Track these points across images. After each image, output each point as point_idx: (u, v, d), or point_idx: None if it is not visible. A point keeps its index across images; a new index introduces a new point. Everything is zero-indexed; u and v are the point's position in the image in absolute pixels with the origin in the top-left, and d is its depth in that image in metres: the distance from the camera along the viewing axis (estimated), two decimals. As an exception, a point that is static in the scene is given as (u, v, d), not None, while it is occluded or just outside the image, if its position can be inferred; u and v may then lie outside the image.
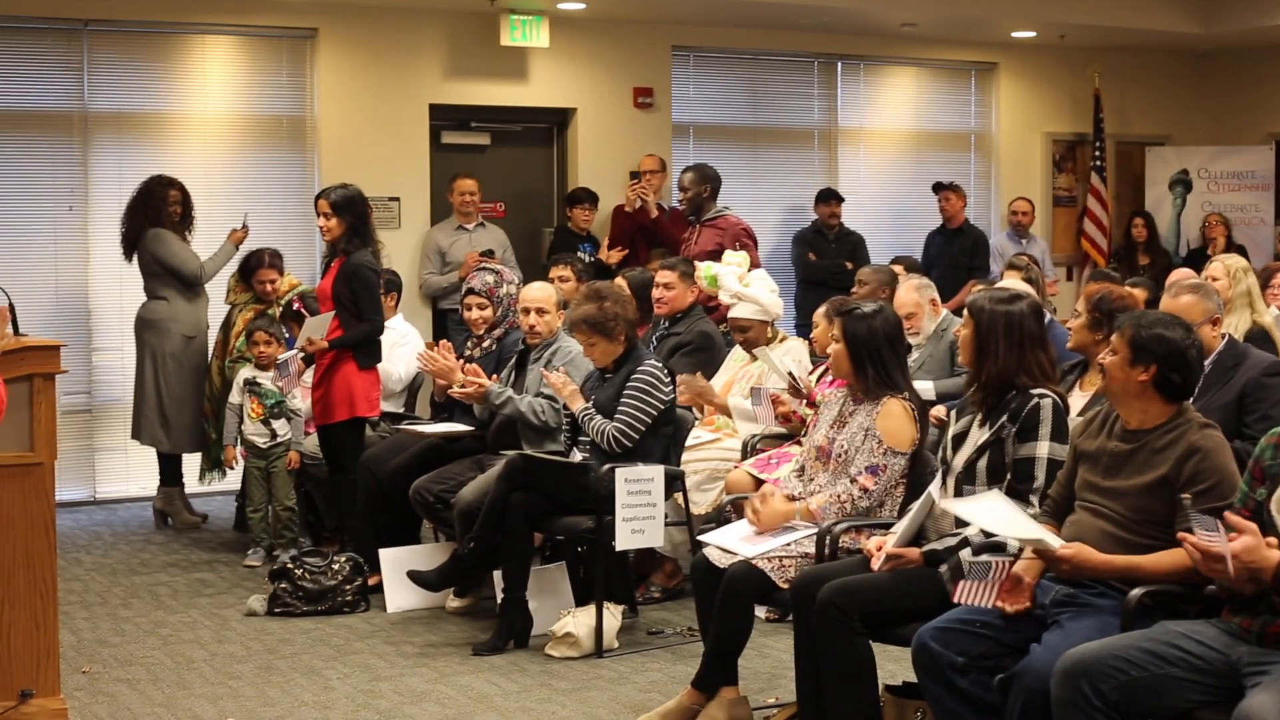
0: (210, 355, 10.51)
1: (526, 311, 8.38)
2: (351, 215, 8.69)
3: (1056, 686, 4.52)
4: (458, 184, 12.18)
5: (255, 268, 10.23)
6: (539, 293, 8.46)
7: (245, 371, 9.65)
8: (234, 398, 9.65)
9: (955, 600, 5.01)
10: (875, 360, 6.28)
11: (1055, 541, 4.83)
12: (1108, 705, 4.43)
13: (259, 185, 12.04)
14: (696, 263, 9.63)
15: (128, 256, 10.62)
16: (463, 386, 8.28)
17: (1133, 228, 14.85)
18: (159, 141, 11.80)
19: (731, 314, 8.87)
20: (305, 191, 12.12)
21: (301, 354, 8.75)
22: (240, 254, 10.62)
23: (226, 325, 10.37)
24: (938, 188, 13.92)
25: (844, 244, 13.23)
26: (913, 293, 9.00)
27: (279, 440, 9.47)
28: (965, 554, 5.35)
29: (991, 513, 5.05)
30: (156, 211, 10.49)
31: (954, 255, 13.44)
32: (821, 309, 8.31)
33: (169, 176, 10.71)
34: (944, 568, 5.43)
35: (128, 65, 11.75)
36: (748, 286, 8.83)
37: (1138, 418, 5.04)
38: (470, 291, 8.83)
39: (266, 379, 9.51)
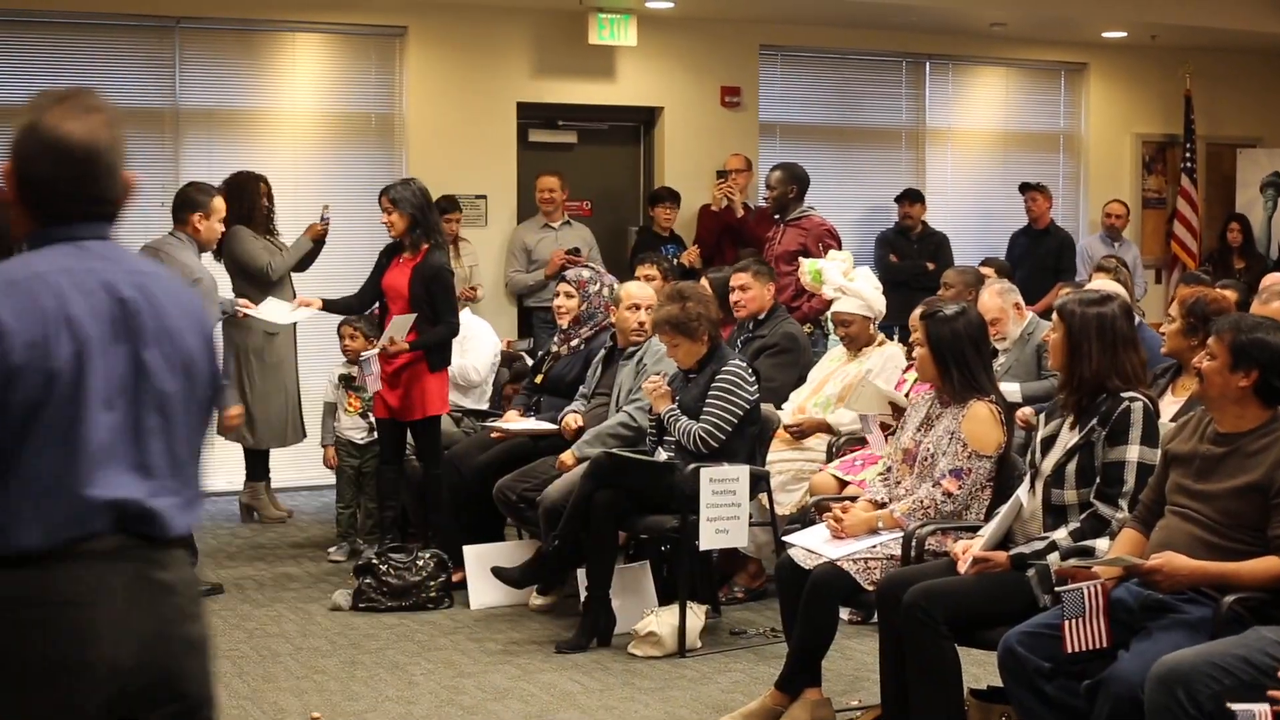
0: None
1: (635, 308, 8.39)
2: (413, 209, 8.74)
3: (1151, 693, 4.48)
4: (539, 181, 12.20)
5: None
6: (644, 290, 8.49)
7: (338, 368, 9.67)
8: (328, 395, 9.68)
9: (1068, 650, 4.93)
10: (960, 363, 6.24)
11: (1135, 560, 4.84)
12: (1203, 714, 4.39)
13: (347, 182, 12.08)
14: (801, 259, 9.63)
15: (216, 256, 10.64)
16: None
17: (1228, 231, 14.71)
18: (249, 138, 11.90)
19: (835, 308, 8.81)
20: (393, 189, 12.17)
21: (381, 352, 8.79)
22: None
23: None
24: (1024, 188, 13.83)
25: (926, 244, 13.17)
26: (996, 298, 8.91)
27: (375, 436, 9.48)
28: (1053, 558, 5.32)
29: None
30: (250, 207, 10.44)
31: (1040, 257, 13.34)
32: (917, 312, 8.26)
33: (256, 172, 10.69)
34: (1031, 571, 5.39)
35: (219, 62, 11.86)
36: (852, 281, 8.81)
37: (1232, 422, 4.99)
38: (563, 279, 8.89)
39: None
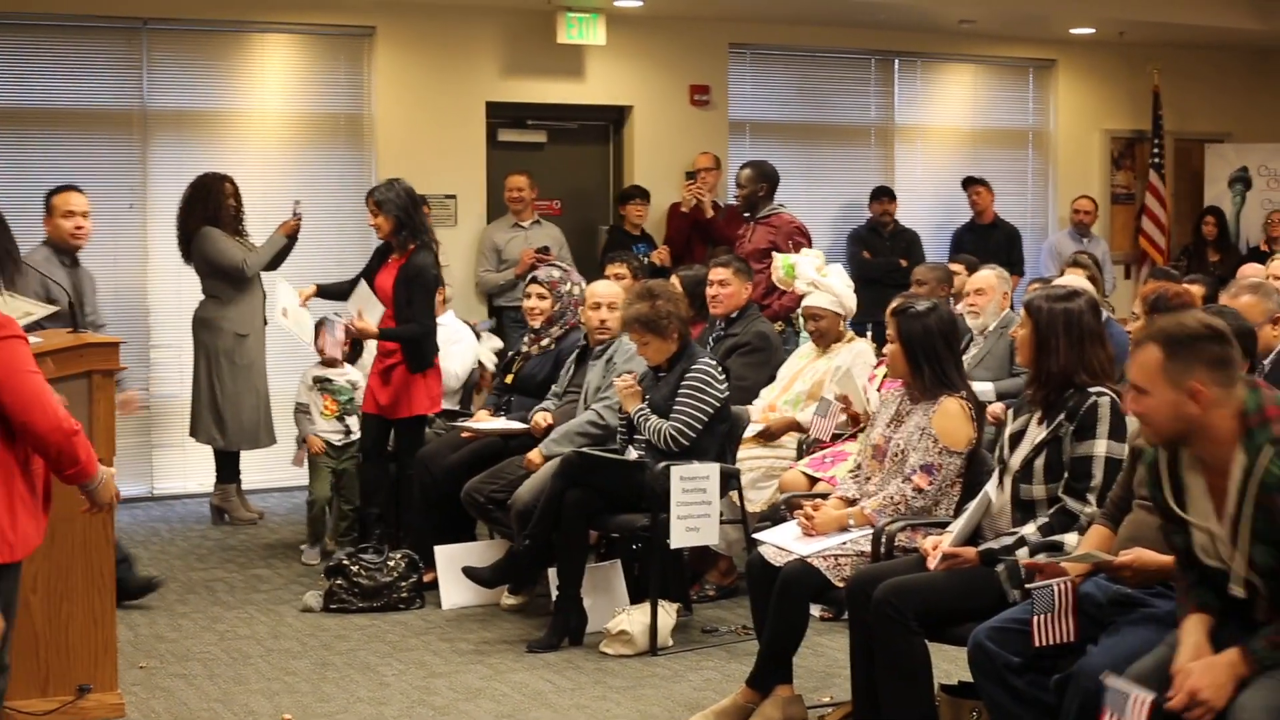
0: None
1: (597, 306, 8.41)
2: (398, 210, 8.77)
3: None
4: (508, 180, 12.20)
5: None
6: (609, 288, 8.50)
7: (311, 370, 9.62)
8: (301, 396, 9.60)
9: (1037, 645, 4.94)
10: (931, 359, 6.26)
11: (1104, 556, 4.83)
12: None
13: (316, 183, 12.07)
14: (774, 254, 9.64)
15: (186, 258, 10.63)
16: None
17: (1203, 225, 14.77)
18: (217, 140, 11.86)
19: (807, 302, 8.82)
20: (363, 189, 12.00)
21: (346, 329, 8.80)
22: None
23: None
24: (967, 183, 13.88)
25: (899, 242, 13.21)
26: (993, 276, 9.06)
27: (352, 437, 9.47)
28: (1021, 553, 5.34)
29: None
30: (216, 208, 10.47)
31: (990, 251, 13.37)
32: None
33: (221, 173, 10.69)
34: (1000, 567, 5.40)
35: (187, 64, 11.82)
36: (825, 277, 8.83)
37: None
38: (534, 280, 8.89)
39: (336, 375, 9.51)
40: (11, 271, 6.33)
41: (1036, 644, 4.88)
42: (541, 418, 8.37)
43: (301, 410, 9.57)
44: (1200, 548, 4.25)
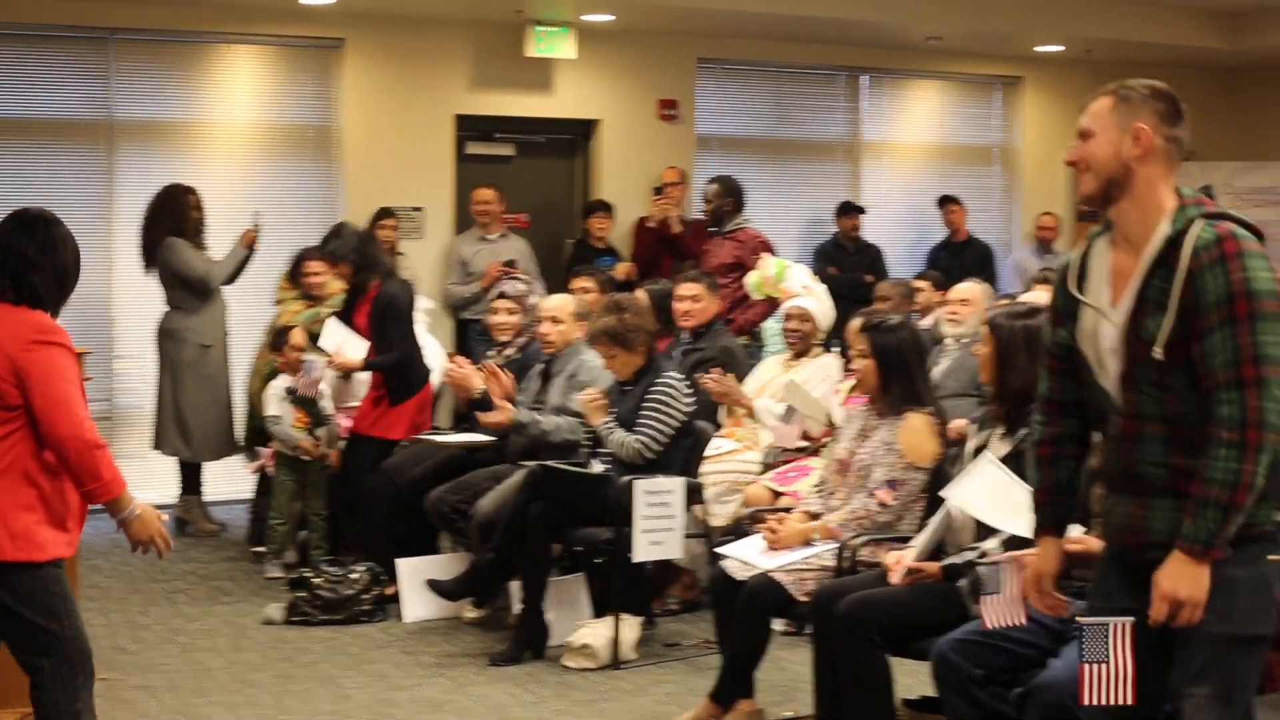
0: (255, 357, 10.43)
1: (539, 320, 8.46)
2: (353, 253, 8.98)
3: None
4: (475, 193, 12.19)
5: (303, 258, 10.13)
6: (554, 301, 8.51)
7: (280, 382, 9.43)
8: (272, 408, 9.33)
9: (988, 626, 4.93)
10: (903, 374, 6.30)
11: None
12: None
13: (284, 195, 12.06)
14: (764, 255, 9.68)
15: (147, 268, 10.60)
16: (484, 409, 8.29)
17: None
18: (184, 150, 11.84)
19: (798, 303, 8.82)
20: (330, 201, 12.15)
21: (329, 367, 8.84)
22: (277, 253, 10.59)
23: (273, 326, 10.27)
24: (943, 201, 13.92)
25: (863, 257, 13.23)
26: (977, 287, 9.15)
27: (321, 449, 9.41)
28: (985, 571, 5.34)
29: (984, 491, 5.06)
30: (180, 219, 10.44)
31: (965, 268, 13.40)
32: (856, 323, 8.29)
33: (184, 184, 10.65)
34: (963, 582, 5.42)
35: (154, 74, 11.79)
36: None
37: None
38: (501, 295, 8.90)
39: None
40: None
41: (986, 626, 4.87)
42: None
43: (274, 421, 9.42)
44: (1082, 333, 4.13)
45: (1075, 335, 4.15)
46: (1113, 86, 4.13)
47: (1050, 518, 4.31)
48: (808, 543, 6.26)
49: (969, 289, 9.23)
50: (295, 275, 10.20)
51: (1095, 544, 4.51)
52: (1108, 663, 3.96)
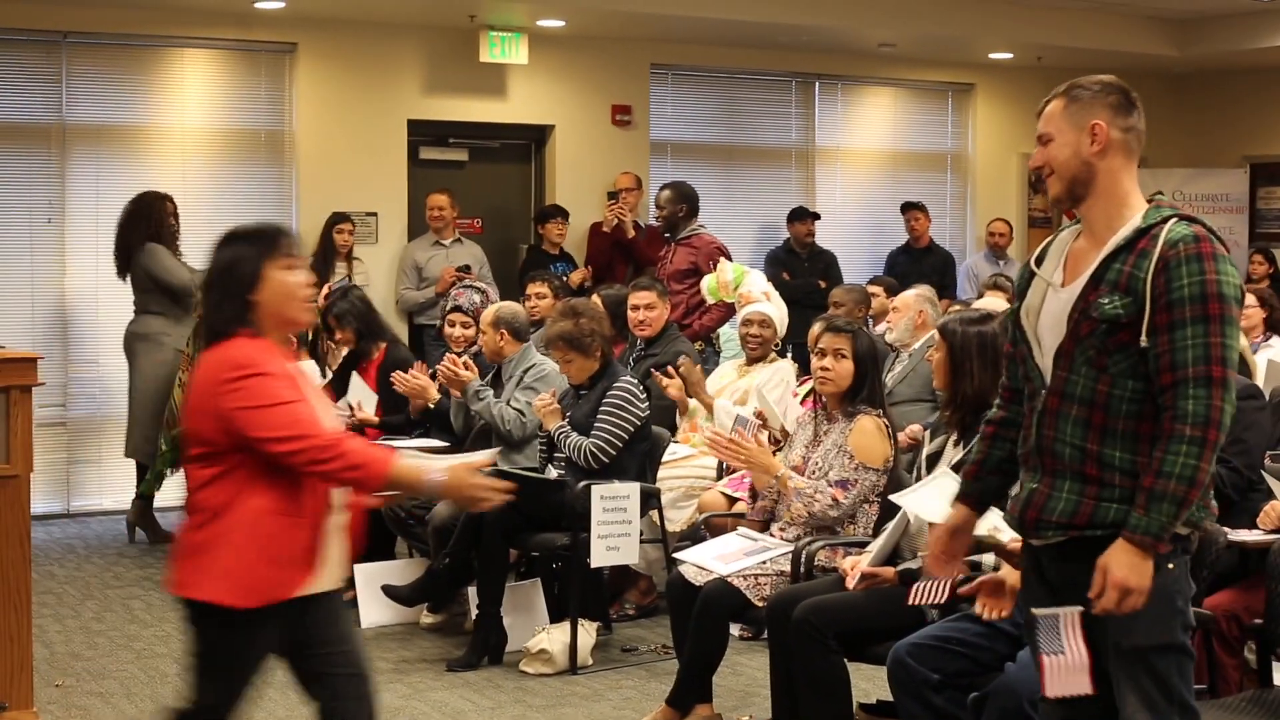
0: (179, 369, 10.45)
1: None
2: (356, 319, 9.15)
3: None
4: (429, 199, 12.19)
5: None
6: (488, 310, 8.55)
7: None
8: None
9: (910, 602, 4.98)
10: (874, 376, 6.39)
11: (1006, 535, 4.78)
12: None
13: (237, 199, 12.00)
14: (723, 260, 9.71)
15: (121, 274, 10.55)
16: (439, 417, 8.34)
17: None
18: (137, 154, 11.79)
19: (757, 308, 8.86)
20: (283, 205, 12.12)
21: (352, 418, 8.91)
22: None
23: (195, 337, 10.31)
24: (905, 208, 13.98)
25: (817, 263, 13.27)
26: (910, 295, 9.23)
27: None
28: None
29: (935, 497, 5.09)
30: (157, 225, 10.47)
31: (924, 275, 13.48)
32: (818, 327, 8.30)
33: (160, 191, 10.68)
34: (903, 566, 5.47)
35: (106, 78, 11.75)
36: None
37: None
38: (456, 309, 8.89)
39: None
40: None
41: (909, 602, 4.92)
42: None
43: None
44: (1025, 308, 4.16)
45: (1019, 311, 4.20)
46: (1064, 88, 4.16)
47: (973, 489, 4.37)
48: (771, 474, 6.35)
49: (901, 297, 9.29)
50: None
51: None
52: (1064, 654, 3.98)
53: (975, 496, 4.37)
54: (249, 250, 4.51)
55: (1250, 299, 10.10)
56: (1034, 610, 4.07)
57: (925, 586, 4.96)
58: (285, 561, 4.38)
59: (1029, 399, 4.17)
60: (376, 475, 4.38)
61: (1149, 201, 4.08)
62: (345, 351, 9.35)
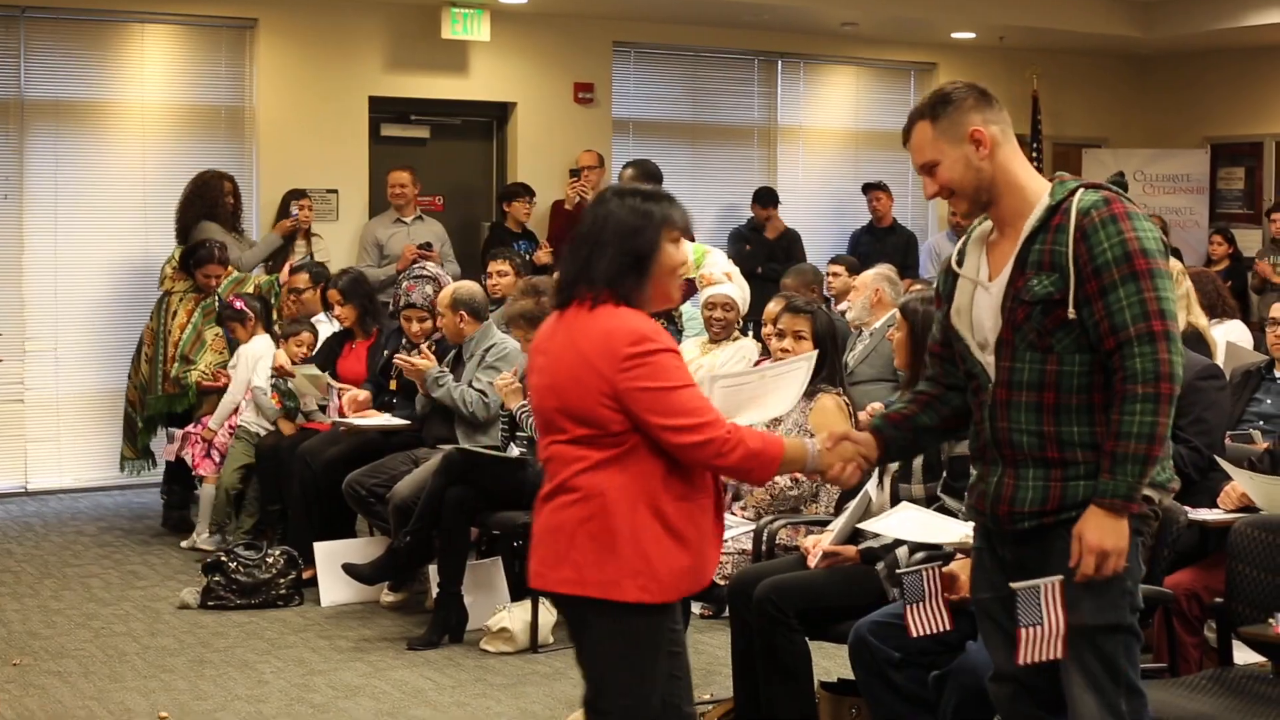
0: (141, 343, 10.42)
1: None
2: (360, 298, 9.32)
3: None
4: (391, 176, 12.13)
5: (204, 260, 10.23)
6: (442, 294, 8.52)
7: (272, 359, 9.44)
8: (258, 380, 9.40)
9: (913, 635, 4.96)
10: (834, 356, 6.39)
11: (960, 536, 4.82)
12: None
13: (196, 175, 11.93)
14: (684, 241, 9.68)
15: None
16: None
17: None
18: (96, 130, 11.71)
19: (721, 289, 8.85)
20: (243, 181, 11.99)
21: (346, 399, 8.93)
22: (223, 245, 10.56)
23: (162, 312, 10.30)
24: (868, 188, 13.99)
25: (780, 242, 13.26)
26: (869, 275, 9.33)
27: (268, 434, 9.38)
28: (901, 552, 5.38)
29: (906, 523, 5.10)
30: (212, 204, 10.79)
31: (887, 254, 13.49)
32: (774, 305, 8.30)
33: (221, 170, 11.02)
34: (880, 565, 5.45)
35: (65, 53, 11.65)
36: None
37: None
38: (410, 305, 8.82)
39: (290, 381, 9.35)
40: None
41: (912, 634, 4.91)
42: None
43: (261, 392, 9.36)
44: (956, 309, 4.17)
45: (950, 314, 4.20)
46: (920, 111, 4.11)
47: (889, 432, 4.39)
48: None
49: (863, 276, 9.33)
50: (188, 266, 10.26)
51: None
52: (1042, 624, 3.99)
53: (887, 439, 4.39)
54: (654, 212, 4.25)
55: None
56: (1013, 585, 4.05)
57: (922, 616, 4.91)
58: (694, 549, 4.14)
59: (973, 395, 4.18)
60: (772, 460, 4.16)
61: (1058, 176, 4.05)
62: (337, 328, 9.56)
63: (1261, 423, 7.54)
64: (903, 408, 4.42)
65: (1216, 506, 6.12)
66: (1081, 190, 3.97)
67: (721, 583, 6.05)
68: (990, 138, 4.04)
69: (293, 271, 10.34)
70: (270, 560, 8.25)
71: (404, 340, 8.82)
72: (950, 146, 4.05)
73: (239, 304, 9.79)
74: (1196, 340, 8.18)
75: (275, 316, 10.15)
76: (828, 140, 14.84)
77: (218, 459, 9.56)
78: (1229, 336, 9.31)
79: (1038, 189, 4.05)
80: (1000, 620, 4.18)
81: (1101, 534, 3.89)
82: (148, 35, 11.94)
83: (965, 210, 4.14)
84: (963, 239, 4.25)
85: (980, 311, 4.10)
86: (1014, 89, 15.13)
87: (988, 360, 4.08)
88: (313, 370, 9.22)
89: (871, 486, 5.74)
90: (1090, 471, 3.95)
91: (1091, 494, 3.92)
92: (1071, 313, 3.90)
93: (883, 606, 5.23)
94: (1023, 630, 4.01)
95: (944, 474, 5.52)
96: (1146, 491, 3.95)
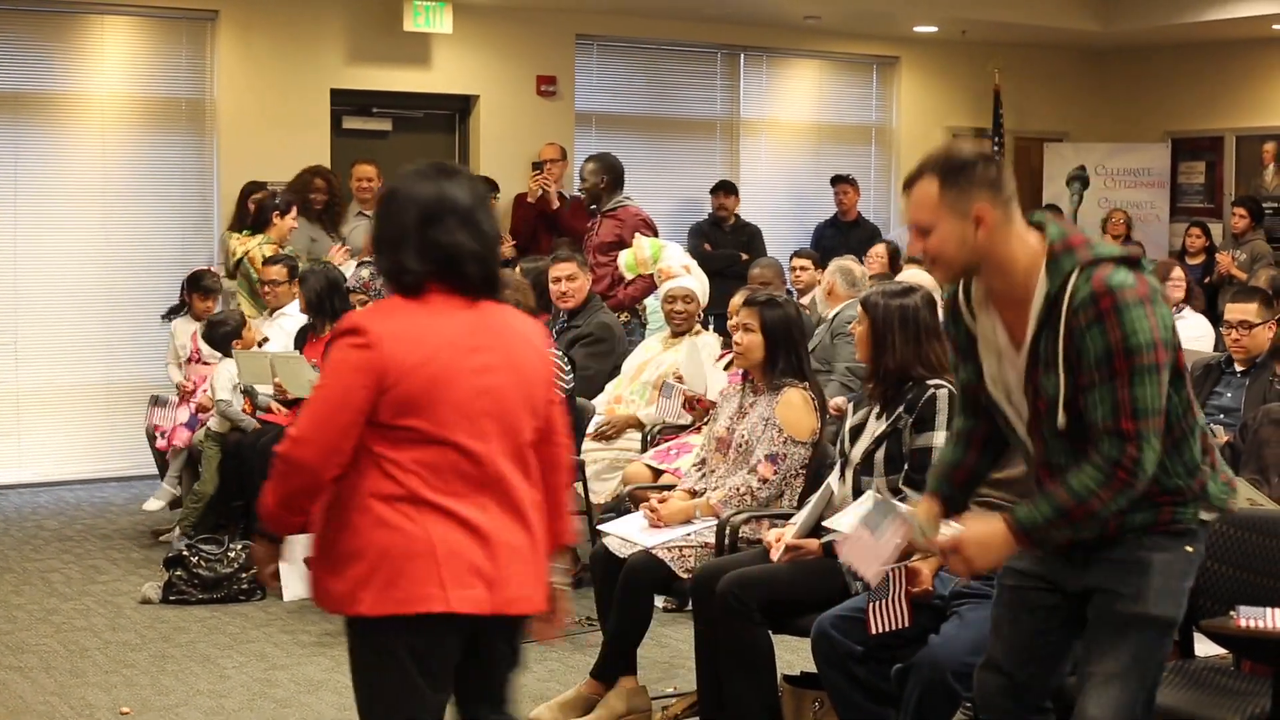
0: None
1: None
2: (313, 292, 9.13)
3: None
4: (355, 169, 12.09)
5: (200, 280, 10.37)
6: None
7: (228, 368, 9.36)
8: (223, 394, 9.26)
9: (873, 632, 4.98)
10: (789, 348, 6.33)
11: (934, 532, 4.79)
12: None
13: (156, 168, 11.89)
14: (639, 236, 9.69)
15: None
16: None
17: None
18: (55, 123, 11.64)
19: (680, 283, 8.82)
20: (203, 175, 12.00)
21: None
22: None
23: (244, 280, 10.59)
24: (835, 180, 14.01)
25: (740, 235, 13.27)
26: (833, 271, 9.41)
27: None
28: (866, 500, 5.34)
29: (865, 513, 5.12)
30: (299, 198, 11.07)
31: (851, 248, 13.50)
32: (739, 299, 8.29)
33: (320, 166, 11.44)
34: (828, 537, 5.48)
35: (24, 44, 11.57)
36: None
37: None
38: (349, 290, 8.84)
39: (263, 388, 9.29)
40: None
41: (872, 631, 4.93)
42: None
43: (225, 405, 9.29)
44: (990, 378, 4.16)
45: (981, 379, 4.18)
46: (931, 162, 4.03)
47: (948, 493, 4.35)
48: (689, 520, 6.28)
49: (829, 270, 9.40)
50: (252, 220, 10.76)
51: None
52: (887, 597, 4.55)
53: (948, 500, 4.35)
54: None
55: (1178, 272, 10.28)
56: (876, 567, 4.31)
57: (883, 613, 4.94)
58: None
59: (1022, 455, 4.21)
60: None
61: (1051, 244, 4.01)
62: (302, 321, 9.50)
63: (1222, 416, 7.58)
64: (959, 458, 4.36)
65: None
66: (1075, 277, 3.93)
67: (684, 576, 6.05)
68: (992, 221, 3.98)
69: (266, 263, 10.26)
70: (232, 555, 8.23)
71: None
72: (950, 218, 3.98)
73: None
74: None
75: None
76: (790, 133, 14.85)
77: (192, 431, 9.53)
78: (1190, 331, 9.35)
79: (1028, 263, 4.00)
80: (1018, 613, 4.23)
81: (979, 543, 3.99)
82: (107, 27, 11.88)
83: (945, 280, 4.13)
84: (952, 294, 4.21)
85: (1012, 376, 4.10)
86: (976, 83, 15.20)
87: (1024, 435, 4.12)
88: (295, 355, 9.14)
89: (833, 479, 5.75)
90: (1146, 505, 4.00)
91: (1140, 524, 4.00)
92: (1061, 420, 3.95)
93: (845, 600, 5.24)
94: (871, 605, 4.10)
95: (905, 467, 5.53)
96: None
